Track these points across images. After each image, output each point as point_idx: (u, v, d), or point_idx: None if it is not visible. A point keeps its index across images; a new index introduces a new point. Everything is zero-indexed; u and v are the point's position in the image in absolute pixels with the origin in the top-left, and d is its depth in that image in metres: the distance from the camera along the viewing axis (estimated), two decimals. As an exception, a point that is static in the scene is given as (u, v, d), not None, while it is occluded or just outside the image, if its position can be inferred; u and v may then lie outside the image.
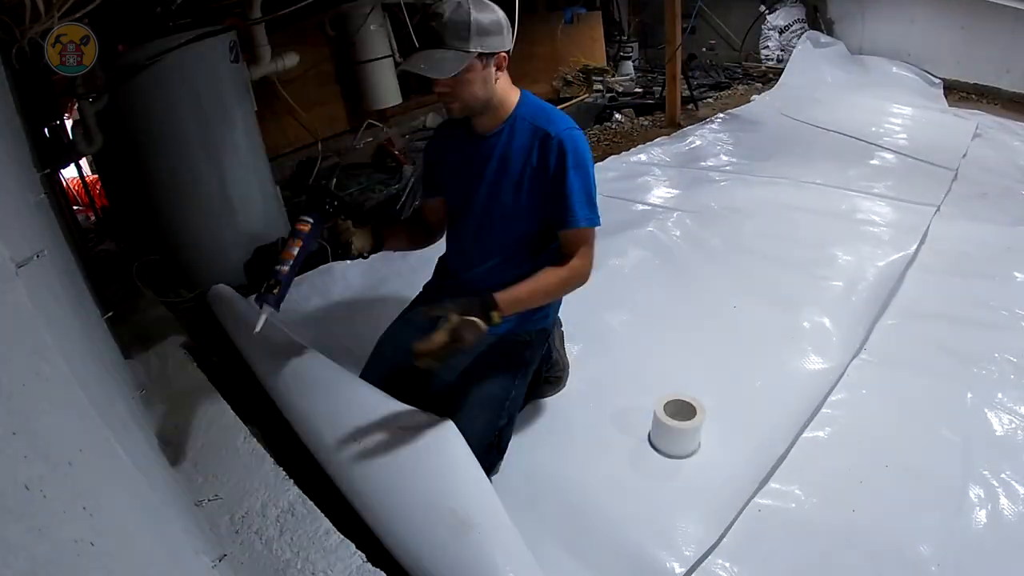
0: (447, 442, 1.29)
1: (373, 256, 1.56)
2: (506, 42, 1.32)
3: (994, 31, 4.33)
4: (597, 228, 1.40)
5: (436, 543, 1.14)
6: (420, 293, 1.71)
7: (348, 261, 1.43)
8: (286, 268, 1.36)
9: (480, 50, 1.26)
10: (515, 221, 1.46)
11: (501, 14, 1.30)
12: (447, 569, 1.11)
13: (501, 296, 1.29)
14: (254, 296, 1.38)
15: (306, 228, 1.38)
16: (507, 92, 1.40)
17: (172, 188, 2.41)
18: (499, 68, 1.34)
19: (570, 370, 1.81)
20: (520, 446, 1.57)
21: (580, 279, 1.41)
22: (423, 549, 1.14)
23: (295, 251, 1.37)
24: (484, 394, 1.43)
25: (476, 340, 1.26)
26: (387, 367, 1.53)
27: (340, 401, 1.46)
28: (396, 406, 1.40)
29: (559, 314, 1.71)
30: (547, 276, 1.37)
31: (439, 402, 1.42)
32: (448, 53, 1.24)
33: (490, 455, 1.43)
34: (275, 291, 1.35)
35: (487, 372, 1.46)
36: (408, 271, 2.29)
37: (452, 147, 1.52)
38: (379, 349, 1.59)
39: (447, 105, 1.35)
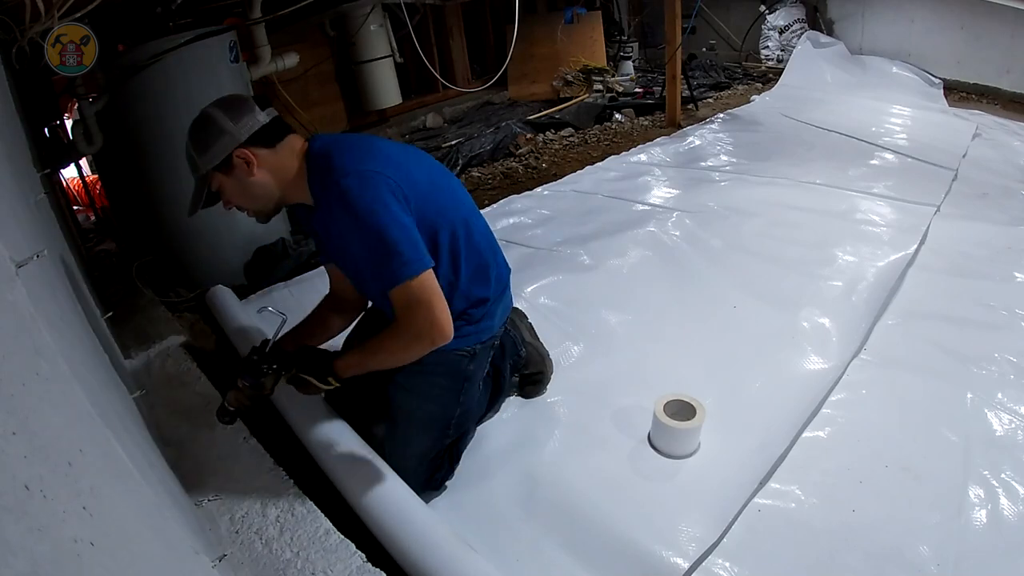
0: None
1: None
2: (232, 140, 1.23)
3: (994, 31, 4.33)
4: (425, 272, 1.20)
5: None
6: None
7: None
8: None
9: (213, 164, 1.24)
10: (368, 283, 1.41)
11: (216, 115, 1.24)
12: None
13: (340, 363, 1.26)
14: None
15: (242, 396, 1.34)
16: (283, 171, 1.28)
17: (172, 188, 2.41)
18: (248, 163, 1.24)
19: (570, 371, 1.81)
20: (520, 446, 1.58)
21: (424, 339, 1.22)
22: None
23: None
24: (424, 414, 1.40)
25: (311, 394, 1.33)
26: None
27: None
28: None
29: (517, 304, 1.71)
30: (385, 341, 1.25)
31: (372, 415, 1.43)
32: (197, 183, 1.28)
33: (439, 471, 1.43)
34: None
35: (428, 390, 1.40)
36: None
37: (312, 229, 1.44)
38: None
39: (253, 217, 1.37)
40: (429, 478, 1.41)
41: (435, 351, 1.25)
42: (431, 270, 1.22)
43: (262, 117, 1.26)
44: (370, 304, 1.59)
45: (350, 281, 1.48)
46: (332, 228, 1.30)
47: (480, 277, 1.42)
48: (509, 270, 1.57)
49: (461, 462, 1.50)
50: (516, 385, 1.73)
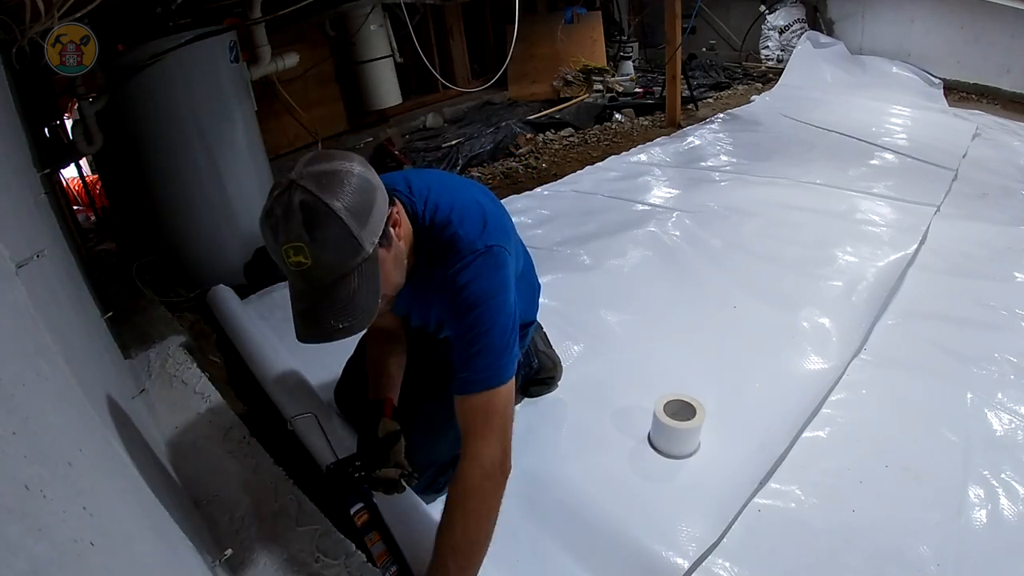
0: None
1: None
2: (383, 198, 0.95)
3: (994, 31, 4.33)
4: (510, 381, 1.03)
5: None
6: None
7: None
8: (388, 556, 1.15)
9: (377, 236, 0.92)
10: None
11: (356, 168, 0.91)
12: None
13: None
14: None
15: (365, 517, 1.18)
16: (408, 233, 1.05)
17: (172, 188, 2.41)
18: (396, 226, 0.98)
19: (570, 371, 1.81)
20: (520, 446, 1.55)
21: (494, 483, 1.00)
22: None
23: (381, 546, 1.16)
24: (456, 430, 1.15)
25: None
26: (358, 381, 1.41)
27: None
28: None
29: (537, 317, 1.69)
30: (459, 526, 0.99)
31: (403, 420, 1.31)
32: (349, 280, 0.89)
33: (444, 474, 1.38)
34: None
35: (444, 395, 1.17)
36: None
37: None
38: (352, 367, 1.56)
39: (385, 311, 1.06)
40: (433, 482, 1.41)
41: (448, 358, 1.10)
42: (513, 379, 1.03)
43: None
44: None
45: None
46: (434, 310, 1.16)
47: (532, 301, 1.39)
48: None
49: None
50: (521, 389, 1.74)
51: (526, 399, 1.73)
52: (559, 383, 1.76)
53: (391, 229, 0.96)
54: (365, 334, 1.41)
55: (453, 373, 1.04)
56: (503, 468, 1.01)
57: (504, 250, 1.06)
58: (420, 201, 1.07)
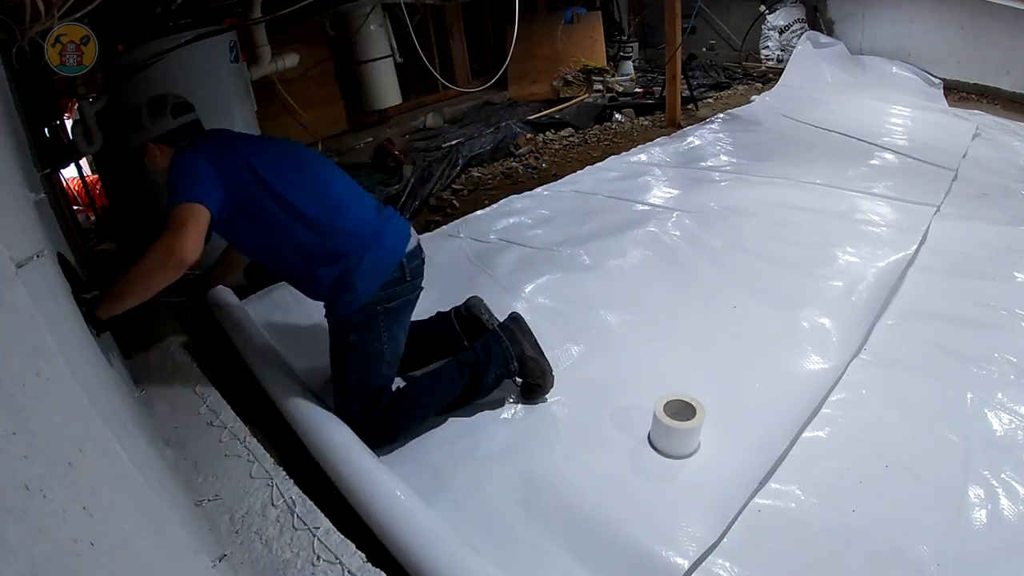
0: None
1: None
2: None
3: (994, 31, 4.33)
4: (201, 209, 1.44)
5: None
6: None
7: None
8: None
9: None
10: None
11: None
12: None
13: (101, 309, 1.47)
14: None
15: None
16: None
17: (172, 188, 2.41)
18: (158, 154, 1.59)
19: (570, 371, 1.81)
20: (520, 446, 1.58)
21: (164, 257, 1.41)
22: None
23: None
24: (335, 381, 1.62)
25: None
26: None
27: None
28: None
29: (523, 316, 1.74)
30: (132, 270, 1.47)
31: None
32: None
33: (367, 433, 1.52)
34: None
35: (333, 364, 1.61)
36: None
37: None
38: None
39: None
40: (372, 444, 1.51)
41: (330, 328, 1.58)
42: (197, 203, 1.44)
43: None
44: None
45: None
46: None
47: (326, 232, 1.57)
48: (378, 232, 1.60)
49: (459, 462, 1.52)
50: (518, 385, 1.74)
51: (523, 401, 1.72)
52: (551, 390, 1.72)
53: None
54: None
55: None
56: (171, 251, 1.40)
57: (194, 152, 1.54)
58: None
